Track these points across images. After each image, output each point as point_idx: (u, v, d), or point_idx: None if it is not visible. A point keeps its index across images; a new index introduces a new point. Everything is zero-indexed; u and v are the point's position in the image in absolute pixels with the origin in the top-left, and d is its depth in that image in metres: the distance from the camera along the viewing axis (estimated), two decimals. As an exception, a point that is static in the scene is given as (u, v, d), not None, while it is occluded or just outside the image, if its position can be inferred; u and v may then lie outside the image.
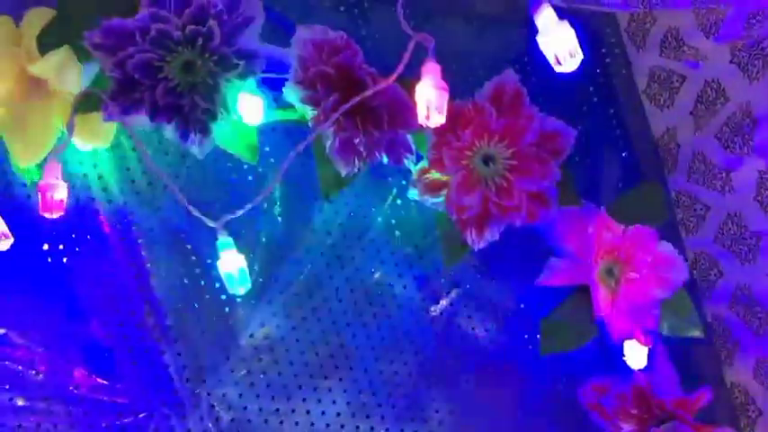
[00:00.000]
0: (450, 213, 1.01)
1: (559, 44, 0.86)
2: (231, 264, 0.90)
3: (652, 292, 1.02)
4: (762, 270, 1.18)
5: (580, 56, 0.85)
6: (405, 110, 0.94)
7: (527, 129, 0.99)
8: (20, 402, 1.02)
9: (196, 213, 0.90)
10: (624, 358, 1.03)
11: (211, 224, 0.90)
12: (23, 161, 0.90)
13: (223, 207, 1.01)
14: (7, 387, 1.01)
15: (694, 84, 1.23)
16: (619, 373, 1.07)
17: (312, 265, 1.14)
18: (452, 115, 0.94)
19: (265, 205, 1.09)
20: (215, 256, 1.01)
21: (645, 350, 1.01)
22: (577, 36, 0.87)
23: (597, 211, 1.05)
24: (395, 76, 0.88)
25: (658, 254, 1.03)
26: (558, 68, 0.86)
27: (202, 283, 1.08)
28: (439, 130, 0.96)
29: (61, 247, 1.04)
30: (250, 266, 1.03)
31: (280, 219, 1.13)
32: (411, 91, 0.92)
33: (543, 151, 0.99)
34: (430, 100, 0.85)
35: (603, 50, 1.29)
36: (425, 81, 0.86)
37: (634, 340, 1.00)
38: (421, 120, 0.88)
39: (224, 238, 0.90)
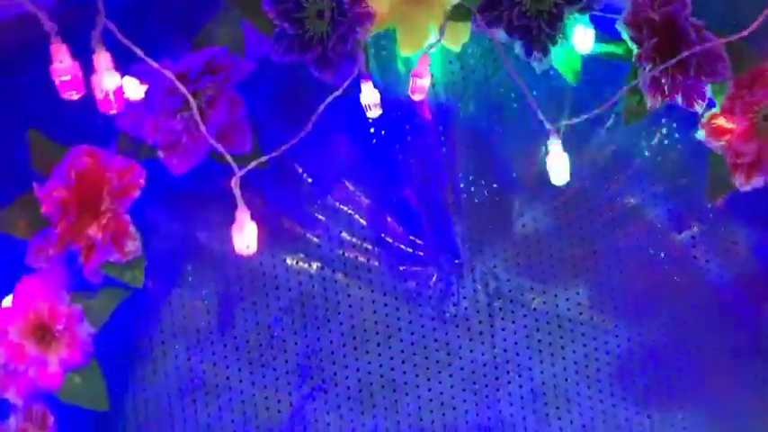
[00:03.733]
0: (726, 157, 1.18)
1: None
2: (558, 159, 1.12)
3: None
4: None
5: None
6: (715, 62, 1.11)
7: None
8: (345, 236, 1.32)
9: (540, 116, 1.12)
10: None
11: (549, 126, 1.12)
12: (406, 51, 1.16)
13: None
14: (337, 224, 1.32)
15: None
16: None
17: (581, 182, 1.34)
18: (755, 74, 1.11)
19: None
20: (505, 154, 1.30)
21: None
22: None
23: None
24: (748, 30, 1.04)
25: None
26: None
27: (500, 172, 1.33)
28: (740, 84, 1.12)
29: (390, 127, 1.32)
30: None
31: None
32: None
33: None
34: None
35: None
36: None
37: None
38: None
39: (555, 137, 1.12)
